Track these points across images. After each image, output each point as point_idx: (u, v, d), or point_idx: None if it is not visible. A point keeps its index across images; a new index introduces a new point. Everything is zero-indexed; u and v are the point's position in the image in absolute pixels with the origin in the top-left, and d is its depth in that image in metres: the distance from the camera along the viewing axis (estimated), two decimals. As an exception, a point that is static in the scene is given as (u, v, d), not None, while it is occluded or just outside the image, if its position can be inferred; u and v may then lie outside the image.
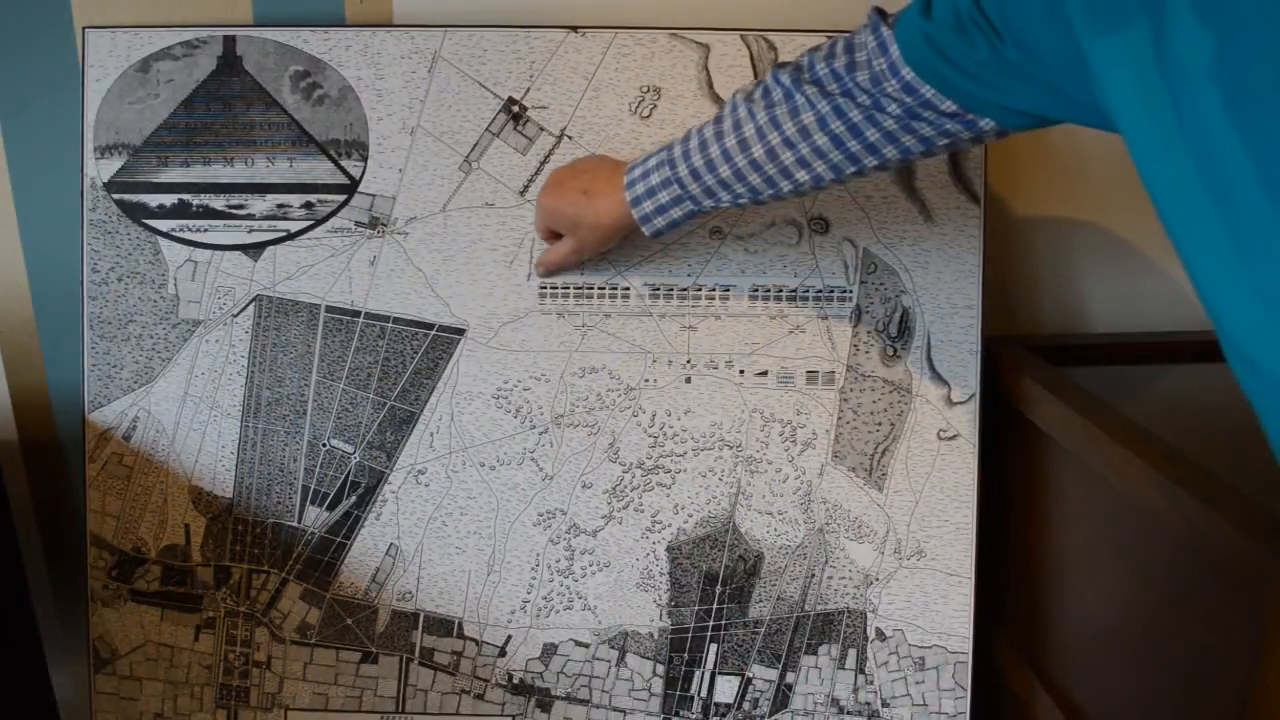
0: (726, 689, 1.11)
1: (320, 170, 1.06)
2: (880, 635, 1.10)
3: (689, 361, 1.08)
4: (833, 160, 0.82)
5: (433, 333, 1.08)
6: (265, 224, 1.07)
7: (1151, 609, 0.86)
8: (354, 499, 1.09)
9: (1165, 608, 0.84)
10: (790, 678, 1.11)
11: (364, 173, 1.06)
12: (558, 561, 1.10)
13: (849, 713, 1.11)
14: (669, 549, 1.10)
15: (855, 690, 1.11)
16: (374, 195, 1.06)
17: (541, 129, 1.06)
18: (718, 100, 1.06)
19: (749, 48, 1.06)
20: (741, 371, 1.09)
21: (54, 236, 1.13)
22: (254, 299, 1.07)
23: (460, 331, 1.08)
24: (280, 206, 1.06)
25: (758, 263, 1.08)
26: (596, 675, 1.11)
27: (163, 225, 1.07)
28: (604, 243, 0.99)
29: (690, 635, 1.10)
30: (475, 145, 1.06)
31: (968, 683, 1.10)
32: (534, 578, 1.10)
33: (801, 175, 0.84)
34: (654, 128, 1.06)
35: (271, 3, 1.09)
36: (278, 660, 1.10)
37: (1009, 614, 1.13)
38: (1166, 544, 0.82)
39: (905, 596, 1.10)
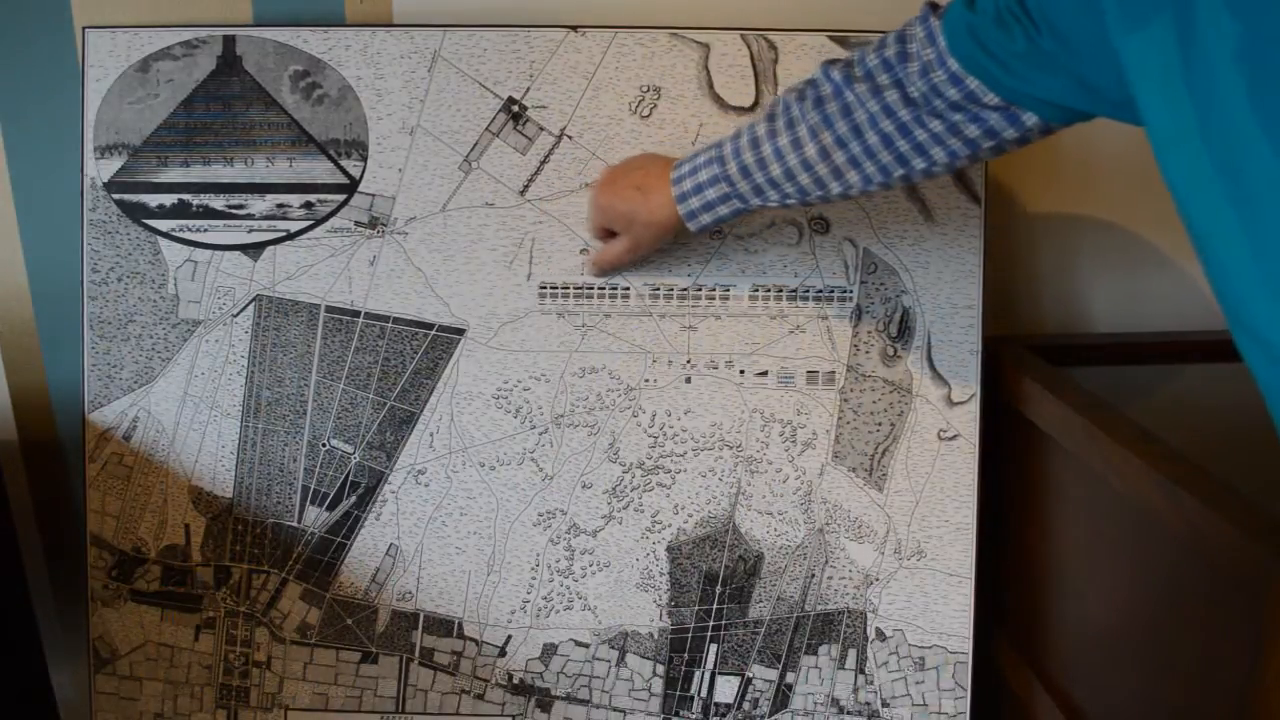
0: (726, 689, 1.11)
1: (320, 170, 1.06)
2: (880, 635, 1.10)
3: (689, 361, 1.08)
4: (882, 161, 0.82)
5: (433, 333, 1.08)
6: (265, 224, 1.07)
7: (1151, 609, 0.86)
8: (354, 499, 1.09)
9: (1165, 608, 0.84)
10: (790, 678, 1.11)
11: (364, 172, 1.06)
12: (558, 561, 1.10)
13: (849, 713, 1.11)
14: (669, 549, 1.10)
15: (855, 690, 1.11)
16: (374, 195, 1.06)
17: (541, 129, 1.06)
18: (718, 100, 1.06)
19: (749, 47, 1.06)
20: (742, 371, 1.09)
21: (54, 236, 1.13)
22: (254, 299, 1.07)
23: (460, 331, 1.08)
24: (280, 206, 1.06)
25: (758, 263, 1.08)
26: (596, 675, 1.11)
27: (163, 225, 1.06)
28: (659, 239, 0.99)
29: (690, 635, 1.10)
30: (475, 145, 1.06)
31: (968, 683, 1.10)
32: (534, 578, 1.10)
33: (852, 176, 0.84)
34: (654, 127, 1.06)
35: (271, 3, 1.09)
36: (278, 660, 1.10)
37: (1009, 614, 1.13)
38: (1166, 544, 0.82)
39: (905, 596, 1.10)
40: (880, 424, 1.09)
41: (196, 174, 1.06)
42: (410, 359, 1.08)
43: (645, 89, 1.06)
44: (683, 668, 1.11)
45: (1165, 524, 0.79)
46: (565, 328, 1.08)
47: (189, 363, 1.08)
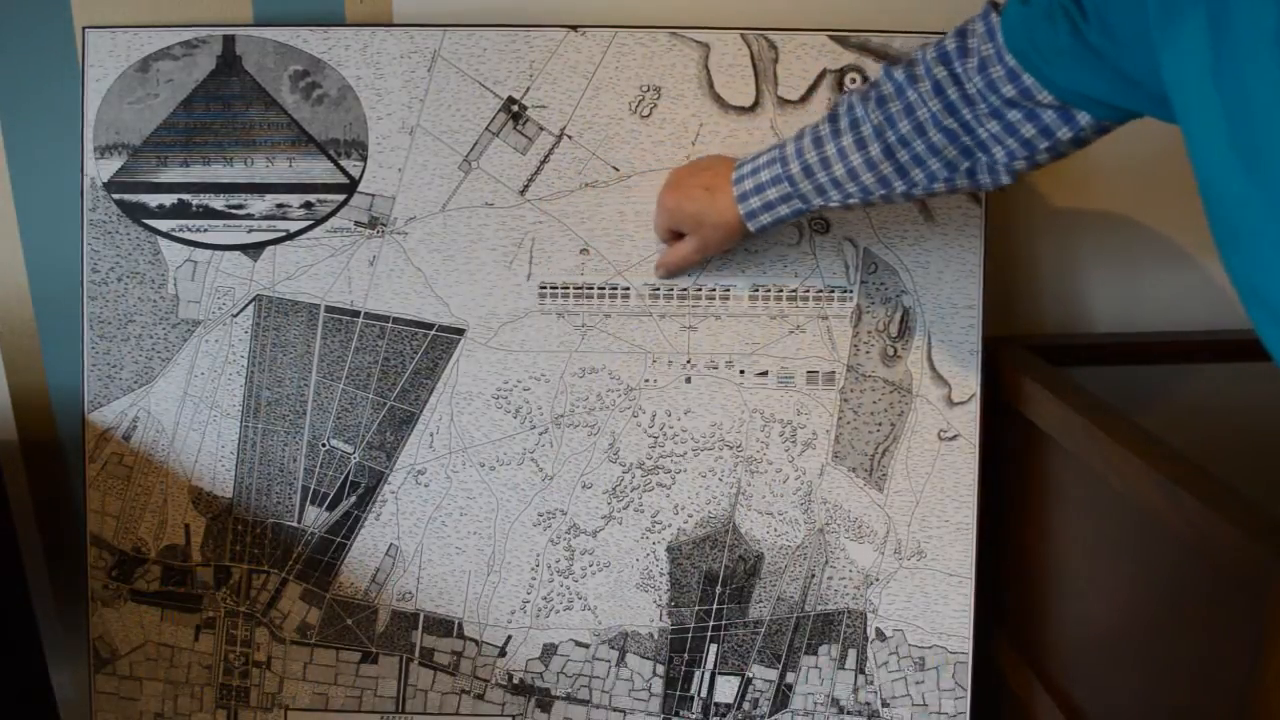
0: (726, 689, 1.11)
1: (320, 170, 1.06)
2: (880, 635, 1.10)
3: (689, 361, 1.08)
4: (947, 157, 0.83)
5: (432, 333, 1.08)
6: (265, 224, 1.07)
7: (1151, 609, 0.86)
8: (354, 499, 1.09)
9: (1165, 608, 0.84)
10: (790, 678, 1.11)
11: (363, 172, 1.06)
12: (558, 562, 1.10)
13: (849, 713, 1.11)
14: (669, 549, 1.10)
15: (855, 690, 1.11)
16: (373, 195, 1.06)
17: (541, 128, 1.06)
18: (718, 100, 1.06)
19: (749, 47, 1.06)
20: (741, 371, 1.08)
21: (54, 236, 1.13)
22: (254, 299, 1.07)
23: (460, 331, 1.08)
24: (280, 206, 1.06)
25: (758, 263, 1.08)
26: (596, 675, 1.11)
27: (162, 225, 1.06)
28: (728, 239, 0.98)
29: (690, 635, 1.10)
30: (475, 145, 1.06)
31: (968, 683, 1.10)
32: (534, 578, 1.10)
33: (917, 174, 0.84)
34: (654, 127, 1.06)
35: (271, 2, 1.09)
36: (278, 660, 1.10)
37: (1009, 614, 1.13)
38: (1167, 544, 0.82)
39: (905, 597, 1.10)
40: (880, 424, 1.09)
41: (196, 174, 1.06)
42: (410, 359, 1.08)
43: (645, 89, 1.06)
44: (683, 668, 1.11)
45: (1165, 524, 0.79)
46: (565, 328, 1.08)
47: (189, 363, 1.08)
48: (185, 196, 1.06)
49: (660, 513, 1.09)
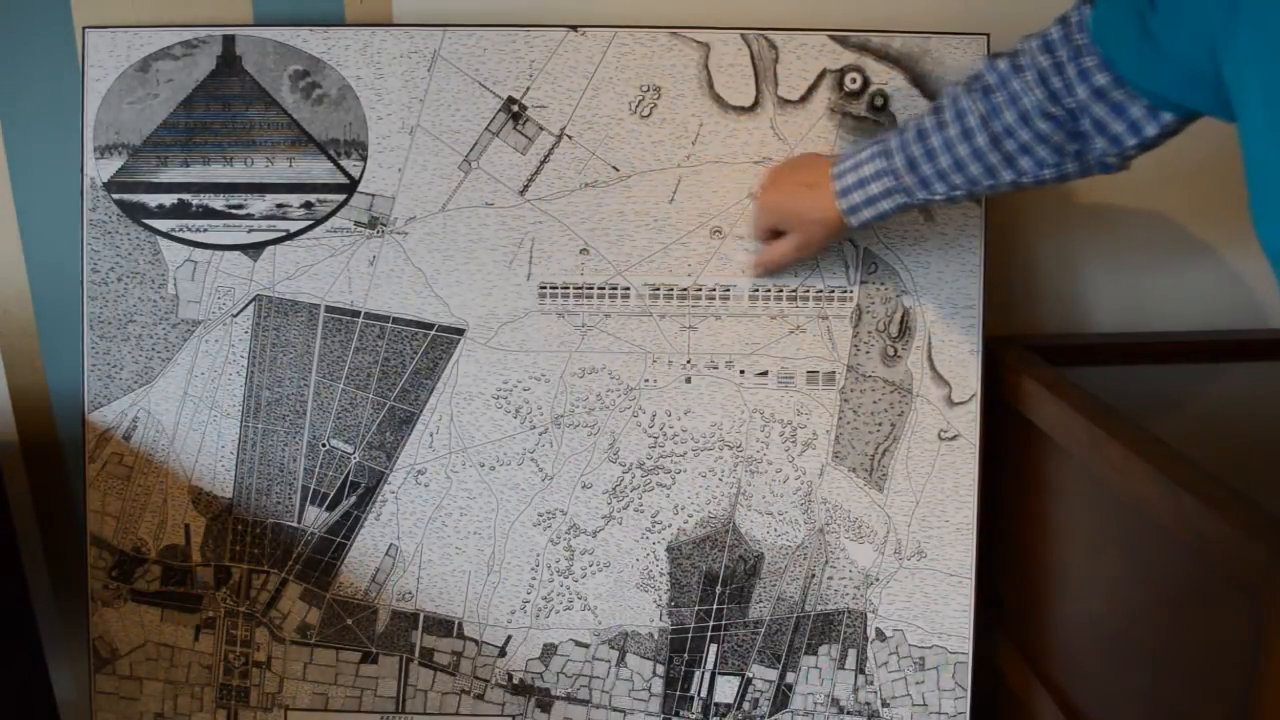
0: (726, 689, 1.11)
1: (320, 170, 1.06)
2: (880, 635, 1.10)
3: (689, 361, 1.08)
4: (1054, 142, 0.83)
5: (432, 333, 1.08)
6: (265, 224, 1.07)
7: (1151, 609, 0.86)
8: (354, 499, 1.09)
9: (1165, 608, 0.84)
10: (790, 678, 1.11)
11: (363, 172, 1.06)
12: (557, 562, 1.10)
13: (849, 713, 1.11)
14: (669, 549, 1.10)
15: (855, 690, 1.11)
16: (373, 195, 1.06)
17: (541, 128, 1.06)
18: (718, 100, 1.06)
19: (749, 47, 1.06)
20: (742, 372, 1.08)
21: (54, 236, 1.13)
22: (254, 299, 1.07)
23: (460, 331, 1.08)
24: (280, 206, 1.06)
25: (758, 262, 1.08)
26: (596, 675, 1.11)
27: (162, 225, 1.06)
28: (829, 236, 0.99)
29: (690, 635, 1.10)
30: (475, 145, 1.06)
31: (968, 683, 1.10)
32: (534, 578, 1.10)
33: (1024, 162, 0.85)
34: (654, 127, 1.06)
35: (271, 2, 1.09)
36: (278, 660, 1.10)
37: (1009, 614, 1.13)
38: (1166, 544, 0.82)
39: (905, 597, 1.10)
40: (880, 424, 1.09)
41: (196, 174, 1.06)
42: (410, 359, 1.08)
43: (645, 89, 1.06)
44: (683, 668, 1.11)
45: (1165, 524, 0.79)
46: (565, 328, 1.08)
47: (189, 363, 1.08)
48: (185, 196, 1.06)
49: (660, 513, 1.09)
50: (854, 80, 1.06)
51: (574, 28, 1.06)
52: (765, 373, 1.09)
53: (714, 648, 1.11)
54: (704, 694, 1.11)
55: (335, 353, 1.08)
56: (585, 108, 1.06)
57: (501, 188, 1.07)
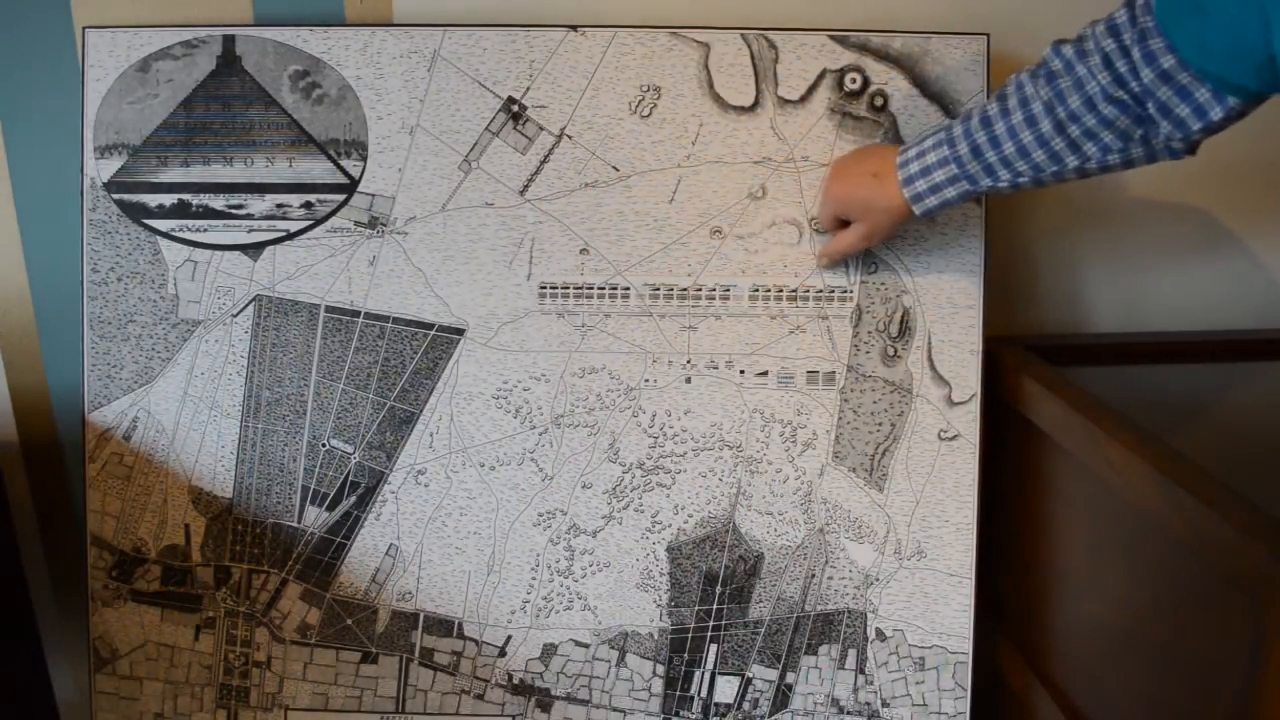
0: (726, 689, 1.11)
1: (320, 170, 1.06)
2: (880, 635, 1.10)
3: (689, 361, 1.08)
4: (1120, 127, 0.82)
5: (432, 333, 1.08)
6: (265, 224, 1.07)
7: (1151, 609, 0.86)
8: (354, 499, 1.09)
9: (1165, 608, 0.84)
10: (790, 678, 1.11)
11: (363, 172, 1.06)
12: (557, 562, 1.10)
13: (849, 713, 1.11)
14: (669, 549, 1.10)
15: (855, 690, 1.11)
16: (373, 195, 1.06)
17: (541, 128, 1.06)
18: (718, 100, 1.06)
19: (749, 47, 1.06)
20: (742, 372, 1.08)
21: (54, 236, 1.13)
22: (254, 299, 1.07)
23: (460, 331, 1.08)
24: (280, 206, 1.06)
25: (758, 263, 1.08)
26: (596, 675, 1.11)
27: (162, 225, 1.07)
28: (895, 225, 0.99)
29: (690, 635, 1.10)
30: (475, 145, 1.06)
31: (968, 683, 1.10)
32: (534, 578, 1.10)
33: (1090, 148, 0.84)
34: (654, 127, 1.06)
35: (271, 2, 1.09)
36: (278, 660, 1.10)
37: (1009, 614, 1.13)
38: (1166, 544, 0.82)
39: (905, 597, 1.10)
40: (880, 424, 1.09)
41: (196, 174, 1.06)
42: (410, 359, 1.08)
43: (645, 89, 1.06)
44: (683, 668, 1.11)
45: (1165, 524, 0.79)
46: (565, 328, 1.08)
47: (189, 363, 1.08)
48: (185, 196, 1.06)
49: (660, 513, 1.09)
50: (854, 80, 1.06)
51: (574, 28, 1.06)
52: (765, 373, 1.09)
53: (714, 648, 1.11)
54: (704, 694, 1.11)
55: (335, 353, 1.08)
56: (585, 108, 1.06)
57: (501, 188, 1.07)
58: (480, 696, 1.11)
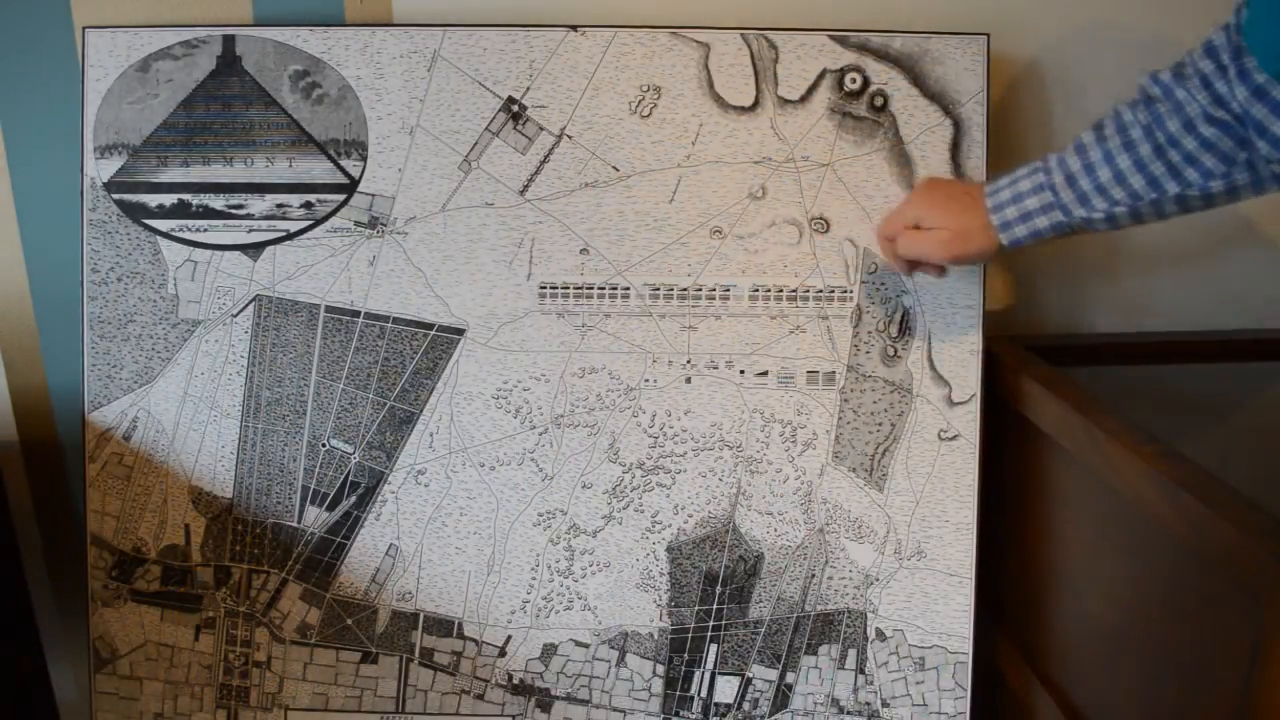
0: (726, 689, 1.11)
1: (319, 170, 1.06)
2: (880, 635, 1.10)
3: (689, 361, 1.08)
4: (1222, 149, 0.79)
5: (432, 333, 1.08)
6: (265, 224, 1.07)
7: (1151, 609, 0.86)
8: (354, 499, 1.09)
9: (1165, 608, 0.84)
10: (790, 678, 1.11)
11: (363, 172, 1.06)
12: (557, 562, 1.10)
13: (849, 713, 1.11)
14: (669, 549, 1.10)
15: (855, 690, 1.11)
16: (373, 195, 1.06)
17: (541, 128, 1.06)
18: (718, 100, 1.06)
19: (749, 47, 1.06)
20: (742, 372, 1.08)
21: (54, 236, 1.13)
22: (253, 299, 1.07)
23: (460, 331, 1.08)
24: (280, 206, 1.06)
25: (758, 263, 1.08)
26: (596, 675, 1.11)
27: (162, 225, 1.07)
28: (977, 250, 0.93)
29: (690, 635, 1.10)
30: (475, 145, 1.06)
31: (968, 683, 1.10)
32: (534, 578, 1.10)
33: (1190, 173, 0.80)
34: (654, 127, 1.06)
35: (271, 2, 1.09)
36: (278, 660, 1.10)
37: (1009, 614, 1.13)
38: (1166, 544, 0.82)
39: (905, 597, 1.10)
40: (880, 424, 1.09)
41: (196, 174, 1.06)
42: (410, 359, 1.08)
43: (645, 89, 1.06)
44: (683, 668, 1.11)
45: (1165, 524, 0.79)
46: (565, 328, 1.08)
47: (189, 363, 1.08)
48: (185, 196, 1.06)
49: (660, 513, 1.09)
50: (854, 80, 1.06)
51: (574, 28, 1.06)
52: (765, 373, 1.09)
53: (714, 648, 1.11)
54: (704, 694, 1.11)
55: (335, 353, 1.08)
56: (585, 108, 1.06)
57: (501, 188, 1.07)
58: (480, 696, 1.11)
